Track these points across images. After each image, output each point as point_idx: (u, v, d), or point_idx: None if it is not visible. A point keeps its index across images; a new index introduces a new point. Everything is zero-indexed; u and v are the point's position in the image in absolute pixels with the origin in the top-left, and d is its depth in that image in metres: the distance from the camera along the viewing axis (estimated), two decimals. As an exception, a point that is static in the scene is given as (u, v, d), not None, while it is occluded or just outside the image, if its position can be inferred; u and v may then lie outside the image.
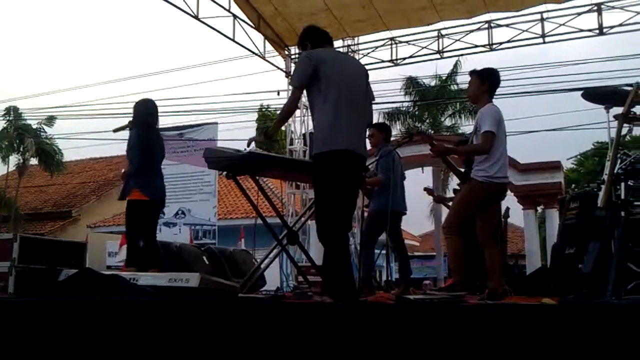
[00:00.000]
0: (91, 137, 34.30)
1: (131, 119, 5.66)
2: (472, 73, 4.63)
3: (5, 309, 4.19)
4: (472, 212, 4.52)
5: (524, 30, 10.17)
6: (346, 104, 3.82)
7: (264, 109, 25.09)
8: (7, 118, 20.51)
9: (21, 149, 20.33)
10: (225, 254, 6.65)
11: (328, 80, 3.80)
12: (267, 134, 4.43)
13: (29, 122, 20.87)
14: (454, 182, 20.82)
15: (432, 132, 17.74)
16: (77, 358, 3.53)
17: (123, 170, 5.67)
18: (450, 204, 7.75)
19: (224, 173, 5.07)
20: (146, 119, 5.57)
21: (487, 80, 4.56)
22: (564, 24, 9.89)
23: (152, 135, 5.60)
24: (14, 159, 20.72)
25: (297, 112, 11.75)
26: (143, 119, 5.58)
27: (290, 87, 10.94)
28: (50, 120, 20.61)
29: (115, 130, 5.74)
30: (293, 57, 11.48)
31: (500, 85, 4.75)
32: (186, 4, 9.12)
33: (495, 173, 4.34)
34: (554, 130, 15.75)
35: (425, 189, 7.58)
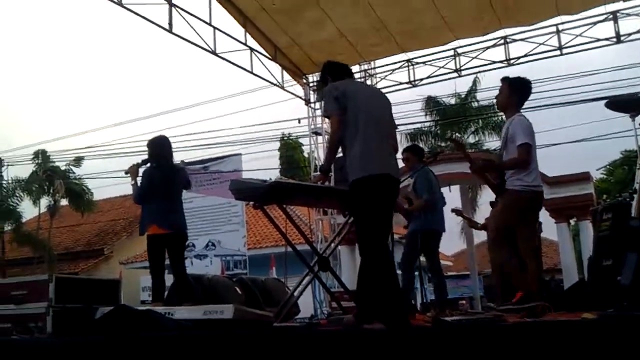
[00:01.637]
0: (120, 175, 34.71)
1: (144, 157, 5.81)
2: (504, 80, 4.63)
3: (44, 350, 4.25)
4: (512, 221, 4.45)
5: (540, 44, 10.15)
6: (375, 130, 3.94)
7: (285, 138, 25.26)
8: (36, 161, 20.92)
9: (51, 191, 20.69)
10: (257, 283, 6.68)
11: (354, 109, 3.94)
12: (322, 170, 4.49)
13: (57, 164, 21.27)
14: (482, 199, 20.66)
15: (463, 143, 17.70)
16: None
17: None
18: (479, 225, 7.69)
19: (251, 203, 5.10)
20: (156, 155, 5.70)
21: (517, 91, 4.57)
22: (580, 35, 9.85)
23: (162, 170, 5.67)
24: (44, 201, 21.10)
25: (320, 139, 11.85)
26: (152, 155, 5.72)
27: (320, 116, 11.12)
28: (78, 161, 20.98)
29: (126, 172, 5.82)
30: (311, 85, 11.60)
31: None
32: (204, 40, 9.29)
33: (532, 181, 4.33)
34: (580, 141, 15.51)
35: (453, 210, 7.53)
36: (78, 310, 5.14)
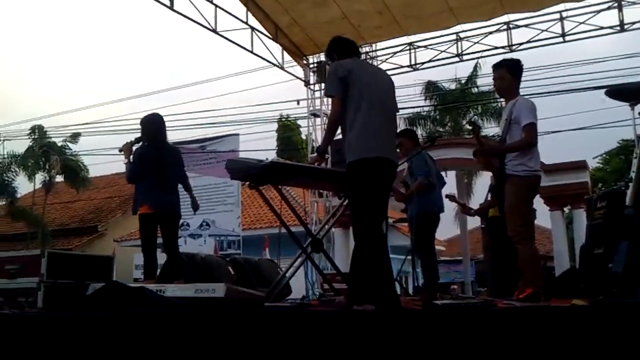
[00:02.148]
0: (115, 152, 34.58)
1: (138, 135, 5.73)
2: (501, 66, 4.59)
3: (34, 324, 4.24)
4: (529, 209, 4.42)
5: (543, 30, 10.09)
6: (378, 112, 3.89)
7: (284, 119, 25.18)
8: (33, 137, 20.82)
9: (47, 167, 20.61)
10: (250, 263, 6.66)
11: (358, 90, 3.87)
12: (319, 151, 4.39)
13: (53, 140, 21.17)
14: (477, 185, 20.71)
15: (480, 126, 17.64)
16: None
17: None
18: (472, 211, 7.66)
19: (247, 183, 5.08)
20: (149, 134, 5.64)
21: (517, 74, 4.55)
22: (584, 22, 9.80)
23: (155, 149, 5.61)
24: (40, 177, 21.02)
25: (318, 121, 11.80)
26: (146, 134, 5.66)
27: (319, 98, 11.07)
28: (75, 137, 20.88)
29: (120, 150, 5.72)
30: (312, 66, 11.53)
31: (522, 86, 4.73)
32: (204, 18, 9.21)
33: (534, 165, 4.31)
34: (578, 129, 15.50)
35: (447, 196, 7.50)
36: (70, 286, 5.15)
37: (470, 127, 5.28)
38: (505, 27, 10.34)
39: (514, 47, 10.37)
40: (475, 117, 19.71)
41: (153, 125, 5.68)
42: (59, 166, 20.25)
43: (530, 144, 4.29)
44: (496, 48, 10.57)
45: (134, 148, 5.66)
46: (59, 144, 21.03)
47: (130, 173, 5.55)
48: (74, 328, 3.83)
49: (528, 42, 10.28)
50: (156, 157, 5.54)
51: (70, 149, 21.17)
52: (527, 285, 4.15)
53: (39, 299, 5.10)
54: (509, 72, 4.53)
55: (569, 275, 5.95)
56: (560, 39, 10.02)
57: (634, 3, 9.45)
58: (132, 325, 3.57)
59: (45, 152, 20.50)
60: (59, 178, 21.51)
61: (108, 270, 5.94)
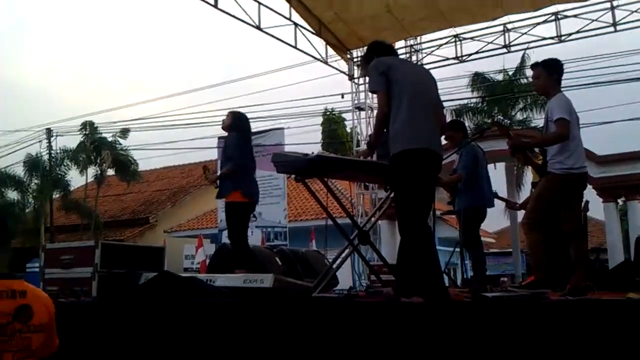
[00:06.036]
0: (164, 147, 35.46)
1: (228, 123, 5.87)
2: (537, 66, 4.58)
3: (90, 312, 4.39)
4: (551, 206, 4.39)
5: (593, 20, 9.78)
6: (420, 105, 3.92)
7: (328, 113, 25.22)
8: (84, 132, 21.35)
9: (98, 161, 21.13)
10: (297, 255, 6.70)
11: (400, 84, 3.92)
12: (370, 145, 4.54)
13: (104, 135, 21.69)
14: (528, 177, 20.23)
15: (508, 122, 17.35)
16: (159, 358, 3.65)
17: (217, 174, 5.94)
18: (517, 205, 7.54)
19: (293, 176, 5.11)
20: (241, 128, 5.85)
21: (554, 71, 4.48)
22: (636, 11, 9.45)
23: (247, 141, 5.88)
24: (92, 171, 21.58)
25: (362, 114, 11.79)
26: (241, 124, 5.87)
27: (363, 91, 11.06)
28: (125, 132, 21.34)
29: (206, 177, 6.11)
30: (355, 60, 11.50)
31: (572, 77, 4.67)
32: (248, 15, 9.27)
33: (573, 164, 4.24)
34: (631, 120, 15.00)
35: None
36: (122, 276, 5.29)
37: (495, 128, 5.28)
38: (553, 17, 10.08)
39: (563, 38, 10.11)
40: (500, 118, 19.33)
41: (247, 121, 6.04)
42: (110, 160, 20.75)
43: (557, 137, 4.24)
44: (545, 39, 10.32)
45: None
46: (109, 139, 21.55)
47: (245, 158, 5.74)
48: (128, 315, 3.95)
49: (577, 32, 9.99)
50: (252, 149, 5.91)
51: (121, 144, 21.68)
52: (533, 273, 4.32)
53: (93, 288, 5.24)
54: (544, 69, 4.49)
55: (623, 267, 5.78)
56: (611, 29, 9.69)
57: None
58: (183, 314, 3.67)
59: (97, 147, 21.01)
60: (110, 172, 22.04)
61: (159, 260, 6.04)
